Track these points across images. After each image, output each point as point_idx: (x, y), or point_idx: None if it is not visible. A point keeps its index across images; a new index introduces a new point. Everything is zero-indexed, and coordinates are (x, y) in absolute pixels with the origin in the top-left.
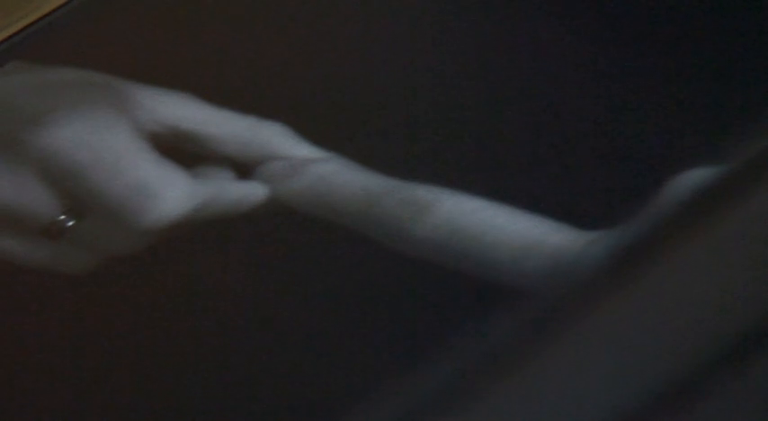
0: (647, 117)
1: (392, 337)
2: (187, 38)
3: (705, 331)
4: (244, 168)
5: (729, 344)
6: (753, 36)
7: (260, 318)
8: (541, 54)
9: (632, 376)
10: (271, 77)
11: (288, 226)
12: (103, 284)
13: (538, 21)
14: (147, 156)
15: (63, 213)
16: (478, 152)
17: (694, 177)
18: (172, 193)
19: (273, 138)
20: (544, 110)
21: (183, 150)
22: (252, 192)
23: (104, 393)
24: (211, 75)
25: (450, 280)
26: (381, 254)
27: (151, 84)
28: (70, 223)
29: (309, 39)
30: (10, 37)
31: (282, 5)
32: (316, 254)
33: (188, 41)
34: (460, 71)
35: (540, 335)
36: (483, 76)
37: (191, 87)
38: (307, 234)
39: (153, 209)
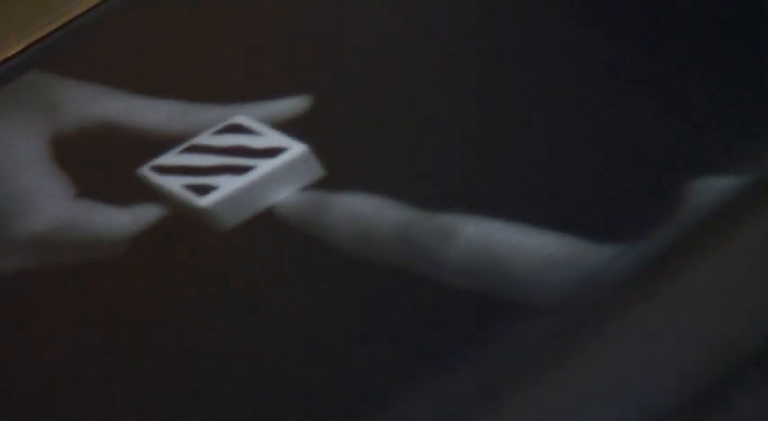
0: (670, 125)
1: (408, 354)
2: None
3: (735, 343)
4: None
5: (760, 356)
6: None
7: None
8: (559, 63)
9: (660, 392)
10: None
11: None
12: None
13: (559, 26)
14: (38, 166)
15: None
16: (492, 168)
17: (719, 186)
18: (43, 208)
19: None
20: (563, 120)
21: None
22: (118, 219)
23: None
24: (233, 86)
25: (469, 294)
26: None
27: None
28: None
29: (321, 70)
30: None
31: (304, 27)
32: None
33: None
34: (467, 85)
35: (565, 351)
36: (496, 89)
37: (208, 91)
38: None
39: (23, 221)
